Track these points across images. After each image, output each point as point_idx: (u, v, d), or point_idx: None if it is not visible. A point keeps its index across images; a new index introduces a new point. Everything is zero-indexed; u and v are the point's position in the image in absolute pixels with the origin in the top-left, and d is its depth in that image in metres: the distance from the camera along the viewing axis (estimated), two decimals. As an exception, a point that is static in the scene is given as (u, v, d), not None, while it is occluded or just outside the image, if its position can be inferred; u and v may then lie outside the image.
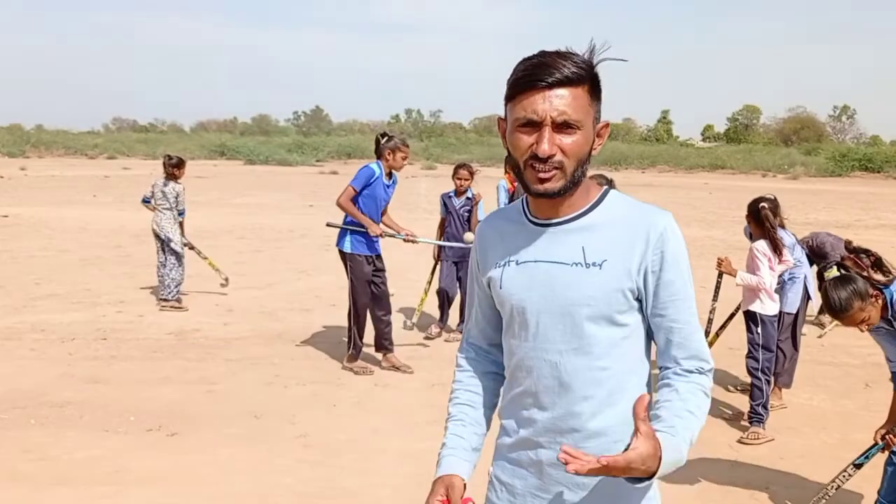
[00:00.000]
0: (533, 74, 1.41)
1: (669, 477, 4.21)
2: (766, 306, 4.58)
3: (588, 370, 1.49)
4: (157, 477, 3.80)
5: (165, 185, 7.59)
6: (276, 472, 3.88)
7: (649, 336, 1.55)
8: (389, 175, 5.63)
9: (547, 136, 1.41)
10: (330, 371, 5.64)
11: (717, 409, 5.05)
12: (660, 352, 1.55)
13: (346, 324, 5.72)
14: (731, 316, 5.22)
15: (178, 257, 7.59)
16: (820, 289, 3.14)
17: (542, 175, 1.44)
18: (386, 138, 5.59)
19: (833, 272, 3.06)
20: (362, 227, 5.48)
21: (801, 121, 64.97)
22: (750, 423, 4.57)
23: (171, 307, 7.50)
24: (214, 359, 5.88)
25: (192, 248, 7.84)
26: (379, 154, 5.59)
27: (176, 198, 7.55)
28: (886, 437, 3.28)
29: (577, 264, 1.48)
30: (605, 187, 1.58)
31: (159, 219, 7.54)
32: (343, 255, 5.61)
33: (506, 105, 1.49)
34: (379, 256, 5.70)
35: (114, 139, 53.12)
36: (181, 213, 7.62)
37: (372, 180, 5.48)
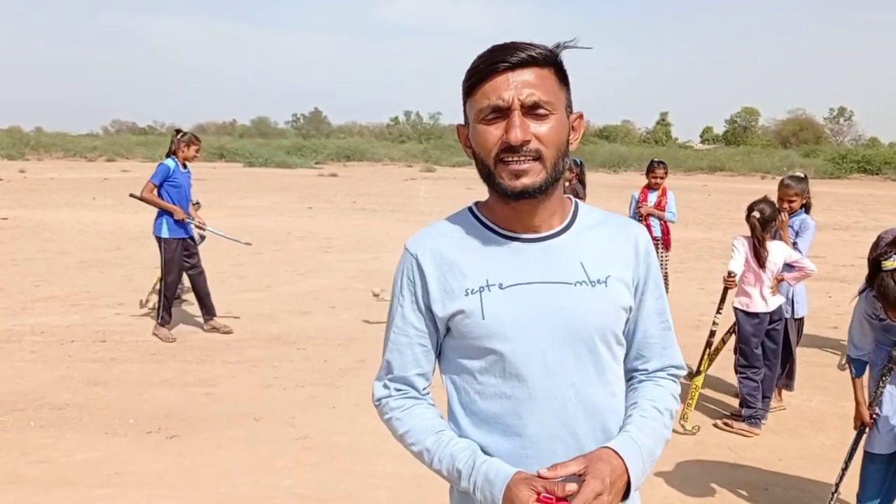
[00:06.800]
0: (493, 58, 1.25)
1: (668, 478, 4.16)
2: (739, 300, 4.68)
3: (605, 399, 1.35)
4: (156, 479, 3.80)
5: None
6: (275, 474, 3.88)
7: None
8: (184, 166, 6.50)
9: (517, 120, 1.23)
10: (329, 373, 5.64)
11: (716, 410, 5.06)
12: (631, 360, 1.45)
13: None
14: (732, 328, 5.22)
15: None
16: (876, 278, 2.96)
17: (517, 167, 1.24)
18: (180, 134, 6.49)
19: (892, 262, 2.88)
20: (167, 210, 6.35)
21: (800, 123, 65.05)
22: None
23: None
24: (213, 361, 5.88)
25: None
26: (173, 150, 6.43)
27: None
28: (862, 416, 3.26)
29: (580, 283, 1.31)
30: (566, 196, 1.43)
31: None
32: (158, 240, 6.42)
33: (465, 103, 1.32)
34: (192, 238, 6.58)
35: (113, 141, 53.05)
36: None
37: (170, 174, 6.34)
